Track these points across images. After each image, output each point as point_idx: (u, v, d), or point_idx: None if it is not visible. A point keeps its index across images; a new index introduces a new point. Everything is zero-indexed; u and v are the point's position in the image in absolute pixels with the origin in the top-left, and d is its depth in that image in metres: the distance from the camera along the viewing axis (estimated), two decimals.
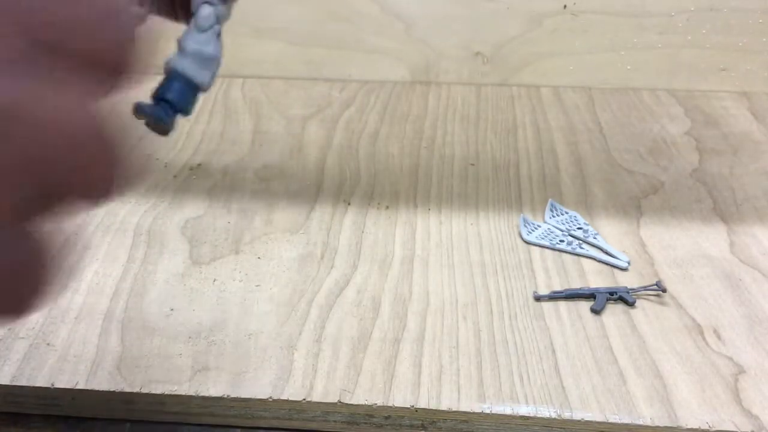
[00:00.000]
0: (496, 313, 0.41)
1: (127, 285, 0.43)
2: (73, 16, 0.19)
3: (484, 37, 0.70)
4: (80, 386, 0.35)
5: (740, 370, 0.37)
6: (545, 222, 0.49)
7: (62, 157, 0.18)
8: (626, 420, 0.34)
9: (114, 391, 0.35)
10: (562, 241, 0.47)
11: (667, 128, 0.63)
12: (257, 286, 0.41)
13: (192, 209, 0.49)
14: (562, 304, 0.41)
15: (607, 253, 0.46)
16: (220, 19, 0.30)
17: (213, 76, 0.29)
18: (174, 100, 0.28)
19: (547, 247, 0.46)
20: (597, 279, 0.44)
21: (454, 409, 0.34)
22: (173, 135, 0.28)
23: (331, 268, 0.44)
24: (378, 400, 0.34)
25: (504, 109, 0.67)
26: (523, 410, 0.34)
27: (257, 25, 0.70)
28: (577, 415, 0.34)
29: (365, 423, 0.35)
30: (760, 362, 0.37)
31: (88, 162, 0.18)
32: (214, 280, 0.43)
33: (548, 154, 0.59)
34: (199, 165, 0.55)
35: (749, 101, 0.68)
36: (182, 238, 0.47)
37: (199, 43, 0.29)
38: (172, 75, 0.28)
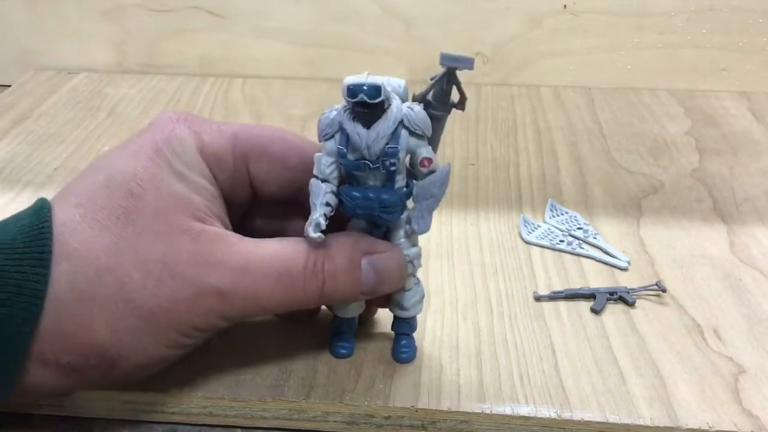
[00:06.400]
0: (496, 313, 0.41)
1: None
2: None
3: (484, 37, 0.70)
4: None
5: (740, 370, 0.37)
6: (545, 222, 0.49)
7: None
8: (626, 420, 0.34)
9: (114, 391, 0.35)
10: (562, 241, 0.47)
11: (667, 128, 0.63)
12: None
13: None
14: (562, 304, 0.41)
15: (607, 253, 0.46)
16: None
17: None
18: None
19: (547, 247, 0.46)
20: (597, 279, 0.44)
21: (454, 410, 0.34)
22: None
23: None
24: (378, 401, 0.34)
25: (504, 108, 0.67)
26: (523, 410, 0.34)
27: (257, 25, 0.70)
28: (577, 416, 0.34)
29: (365, 423, 0.34)
30: (760, 362, 0.37)
31: None
32: None
33: (548, 154, 0.59)
34: None
35: (749, 101, 0.68)
36: None
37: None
38: None
